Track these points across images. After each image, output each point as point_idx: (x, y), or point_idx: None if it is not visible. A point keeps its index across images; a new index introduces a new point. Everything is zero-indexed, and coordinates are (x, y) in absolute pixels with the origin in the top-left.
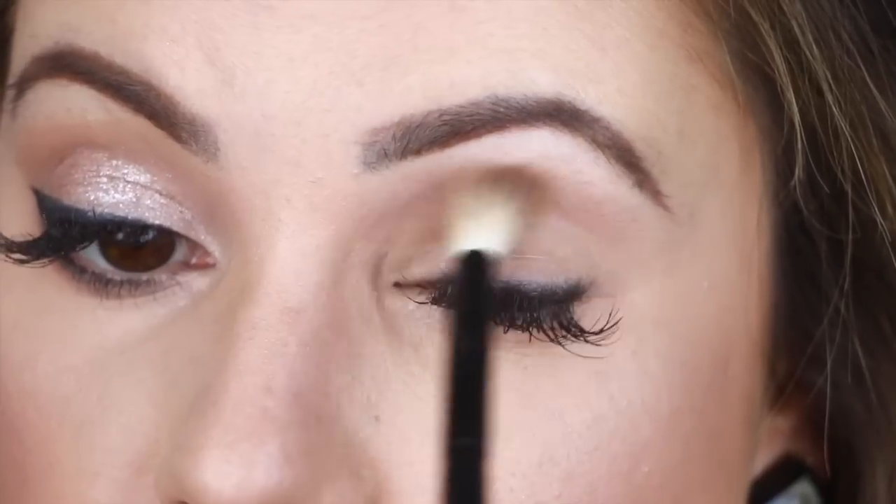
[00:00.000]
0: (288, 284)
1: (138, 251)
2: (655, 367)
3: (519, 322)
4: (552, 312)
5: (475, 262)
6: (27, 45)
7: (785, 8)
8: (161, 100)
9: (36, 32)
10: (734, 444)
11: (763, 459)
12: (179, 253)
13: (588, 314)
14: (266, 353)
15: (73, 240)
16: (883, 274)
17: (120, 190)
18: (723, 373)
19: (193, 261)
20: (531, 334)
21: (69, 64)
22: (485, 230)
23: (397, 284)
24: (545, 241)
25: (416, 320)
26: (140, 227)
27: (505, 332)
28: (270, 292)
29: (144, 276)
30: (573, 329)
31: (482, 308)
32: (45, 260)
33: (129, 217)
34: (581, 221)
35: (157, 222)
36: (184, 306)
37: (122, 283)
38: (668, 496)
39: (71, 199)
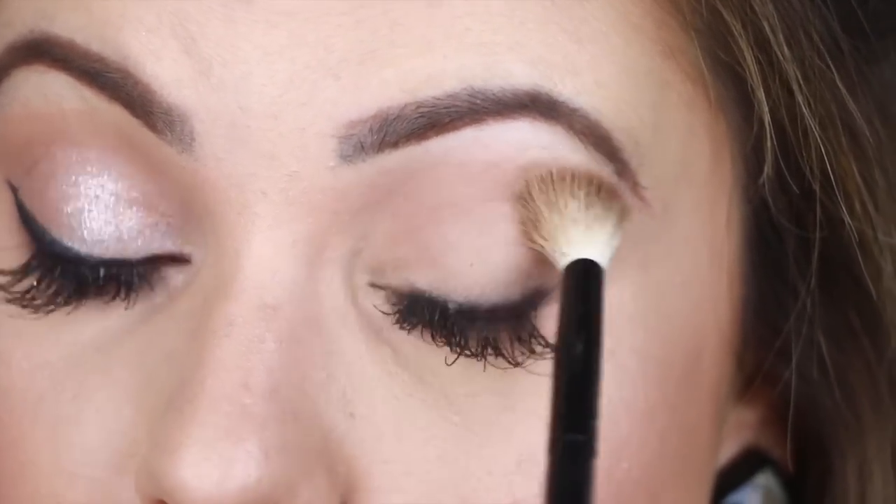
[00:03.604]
0: (264, 280)
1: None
2: (632, 364)
3: (473, 344)
4: (511, 325)
5: (589, 272)
6: (2, 34)
7: (756, 8)
8: (138, 88)
9: (10, 21)
10: (703, 437)
11: (729, 450)
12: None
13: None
14: (243, 350)
15: (59, 270)
16: (850, 271)
17: (102, 217)
18: (694, 367)
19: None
20: (486, 358)
21: (46, 51)
22: (595, 241)
23: (372, 285)
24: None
25: (392, 323)
26: (127, 266)
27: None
28: (247, 288)
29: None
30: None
31: (595, 313)
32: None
33: (116, 258)
34: None
35: (140, 256)
36: (160, 303)
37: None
38: (645, 491)
39: (53, 230)
